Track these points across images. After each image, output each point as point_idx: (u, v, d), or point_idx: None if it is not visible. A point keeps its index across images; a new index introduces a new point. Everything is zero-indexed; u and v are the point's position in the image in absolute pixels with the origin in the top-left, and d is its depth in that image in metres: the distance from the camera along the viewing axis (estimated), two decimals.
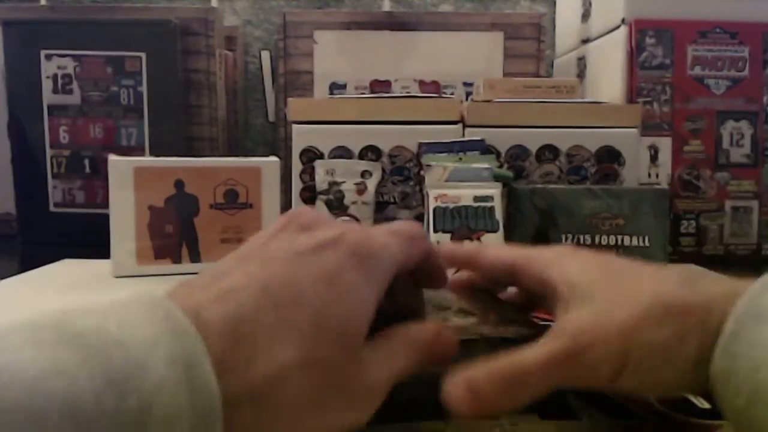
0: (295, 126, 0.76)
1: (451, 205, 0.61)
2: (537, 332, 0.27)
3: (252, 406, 0.20)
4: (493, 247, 0.35)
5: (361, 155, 0.75)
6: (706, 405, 0.33)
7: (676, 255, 0.82)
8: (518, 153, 0.75)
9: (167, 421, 0.17)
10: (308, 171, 0.75)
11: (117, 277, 0.62)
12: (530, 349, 0.25)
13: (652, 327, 0.24)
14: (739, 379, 0.22)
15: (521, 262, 0.31)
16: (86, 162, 0.88)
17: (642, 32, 0.82)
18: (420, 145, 0.74)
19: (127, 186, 0.62)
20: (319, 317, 0.22)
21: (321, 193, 0.72)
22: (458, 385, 0.24)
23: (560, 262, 0.29)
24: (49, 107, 0.87)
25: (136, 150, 0.87)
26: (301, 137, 0.76)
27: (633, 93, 0.83)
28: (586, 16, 0.98)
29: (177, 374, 0.18)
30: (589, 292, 0.27)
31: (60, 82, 0.87)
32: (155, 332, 0.19)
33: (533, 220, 0.68)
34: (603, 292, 0.26)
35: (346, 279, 0.23)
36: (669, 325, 0.24)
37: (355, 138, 0.75)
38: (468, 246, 0.32)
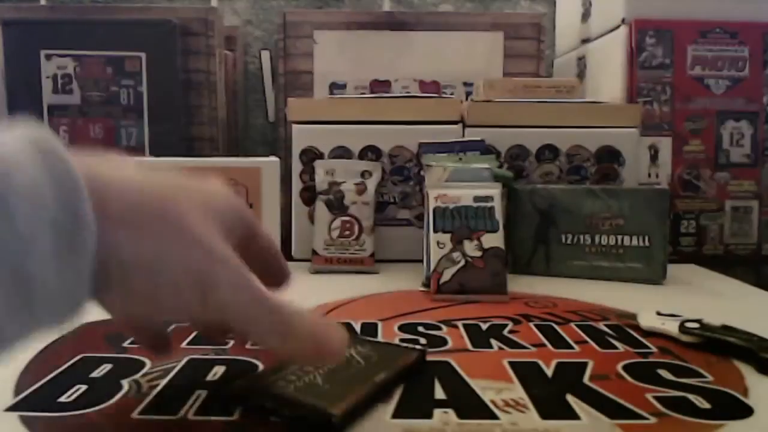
0: (295, 126, 0.76)
1: (451, 206, 0.61)
2: None
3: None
4: None
5: (361, 155, 0.75)
6: (706, 405, 0.33)
7: (676, 255, 0.82)
8: (518, 153, 0.75)
9: (29, 186, 0.20)
10: (308, 171, 0.75)
11: None
12: None
13: None
14: None
15: None
16: None
17: (642, 32, 0.82)
18: (420, 145, 0.74)
19: None
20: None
21: (321, 193, 0.72)
22: None
23: None
24: (49, 107, 0.87)
25: (136, 150, 0.87)
26: (301, 137, 0.76)
27: (633, 93, 0.83)
28: (586, 16, 0.98)
29: (32, 153, 0.20)
30: None
31: (60, 82, 0.87)
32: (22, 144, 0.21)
33: (533, 220, 0.68)
34: None
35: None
36: None
37: (355, 138, 0.75)
38: None
